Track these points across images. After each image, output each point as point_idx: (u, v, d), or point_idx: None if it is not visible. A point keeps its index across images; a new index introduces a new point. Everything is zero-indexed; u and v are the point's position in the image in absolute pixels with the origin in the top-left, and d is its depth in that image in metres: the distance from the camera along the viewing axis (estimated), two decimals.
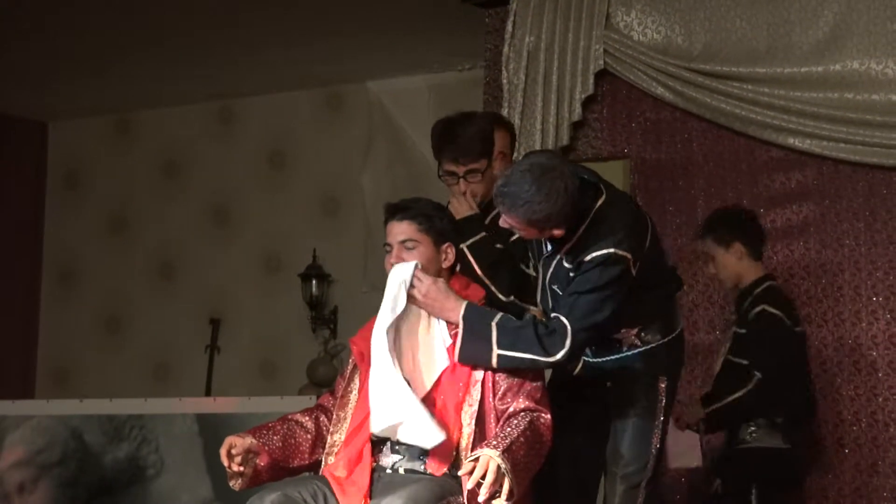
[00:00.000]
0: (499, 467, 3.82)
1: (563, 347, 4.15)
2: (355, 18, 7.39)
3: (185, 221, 9.18)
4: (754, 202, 6.14)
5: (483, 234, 4.59)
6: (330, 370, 7.98)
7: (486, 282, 4.55)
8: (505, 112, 6.57)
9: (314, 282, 8.54)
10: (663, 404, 4.42)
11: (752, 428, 5.49)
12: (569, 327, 4.15)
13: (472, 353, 4.16)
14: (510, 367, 4.16)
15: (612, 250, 4.20)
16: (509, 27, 6.64)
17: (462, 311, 4.16)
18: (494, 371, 4.16)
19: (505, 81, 6.64)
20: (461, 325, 4.16)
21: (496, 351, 4.13)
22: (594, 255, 4.19)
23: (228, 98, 8.90)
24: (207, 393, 8.43)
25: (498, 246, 4.62)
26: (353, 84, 8.57)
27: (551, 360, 4.16)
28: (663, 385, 4.42)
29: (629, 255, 4.19)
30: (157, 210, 9.32)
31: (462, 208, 4.63)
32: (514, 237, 4.51)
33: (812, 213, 5.98)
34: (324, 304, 8.57)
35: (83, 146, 9.63)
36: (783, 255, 6.09)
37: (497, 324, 4.16)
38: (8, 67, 8.24)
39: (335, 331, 8.49)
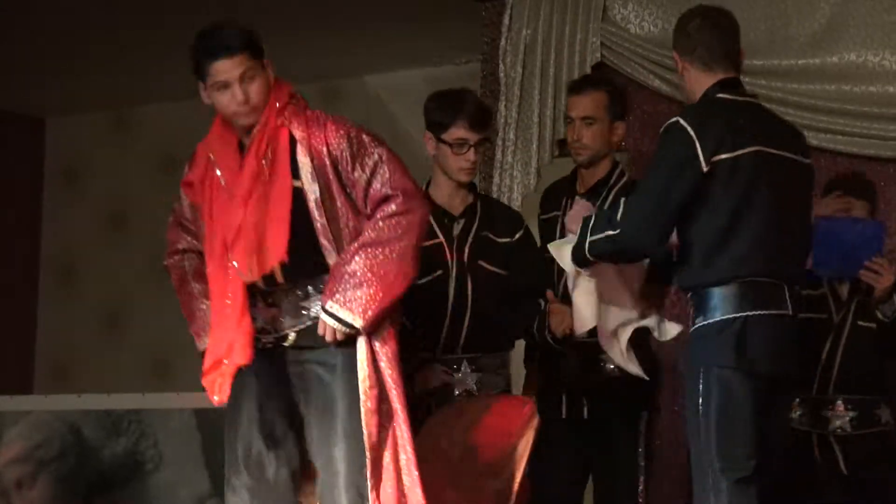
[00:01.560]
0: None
1: (616, 224, 4.14)
2: (352, 12, 7.39)
3: None
4: None
5: None
6: None
7: None
8: (502, 105, 6.58)
9: None
10: (700, 392, 4.14)
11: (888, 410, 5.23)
12: (621, 205, 4.16)
13: (578, 255, 4.30)
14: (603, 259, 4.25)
15: (676, 118, 4.18)
16: (506, 20, 6.64)
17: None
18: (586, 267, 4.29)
19: (502, 75, 6.64)
20: (579, 228, 4.30)
21: (588, 239, 4.21)
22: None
23: None
24: None
25: None
26: (350, 78, 8.57)
27: (611, 233, 4.14)
28: (702, 375, 4.15)
29: (690, 131, 4.12)
30: (156, 205, 9.29)
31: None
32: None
33: None
34: None
35: (81, 142, 9.62)
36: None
37: (587, 218, 4.27)
38: (5, 63, 8.23)
39: None
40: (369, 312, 3.90)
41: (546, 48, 6.54)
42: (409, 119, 8.22)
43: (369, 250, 3.92)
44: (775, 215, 4.18)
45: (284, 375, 4.09)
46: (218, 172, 4.11)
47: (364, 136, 4.05)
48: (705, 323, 4.16)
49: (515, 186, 6.46)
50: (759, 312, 4.14)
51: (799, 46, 6.06)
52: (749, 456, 4.12)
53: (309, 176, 3.98)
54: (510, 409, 4.59)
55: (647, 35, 6.39)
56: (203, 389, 5.39)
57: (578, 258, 4.29)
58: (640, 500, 5.09)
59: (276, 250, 3.95)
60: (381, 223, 3.95)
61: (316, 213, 3.98)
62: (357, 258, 3.92)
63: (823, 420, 5.19)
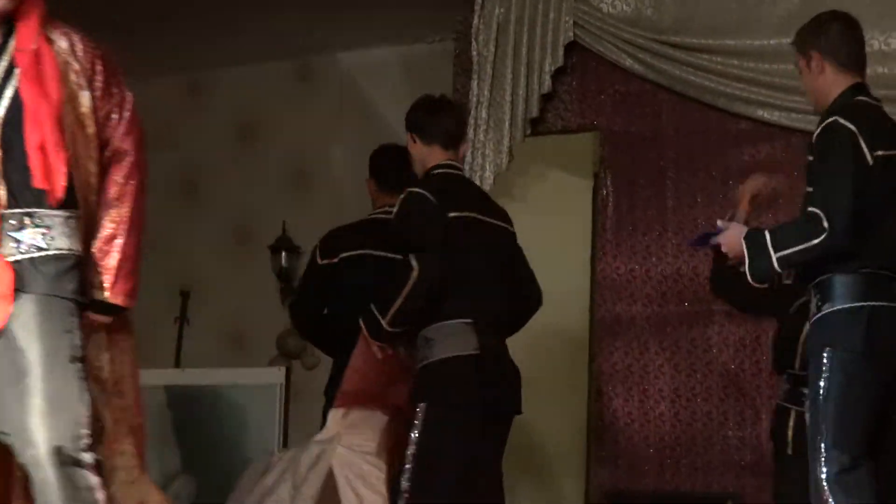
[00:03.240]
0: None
1: (822, 230, 4.18)
2: None
3: (154, 194, 8.99)
4: (724, 174, 6.16)
5: None
6: (300, 342, 7.98)
7: None
8: (474, 84, 6.57)
9: (284, 254, 8.52)
10: (824, 371, 4.25)
11: None
12: (818, 211, 4.18)
13: (760, 271, 4.31)
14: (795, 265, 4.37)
15: (833, 118, 4.27)
16: None
17: (744, 234, 4.39)
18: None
19: (475, 54, 6.64)
20: (745, 248, 4.34)
21: (774, 256, 4.26)
22: (818, 129, 4.30)
23: (197, 70, 8.85)
24: (177, 365, 8.42)
25: None
26: (323, 56, 8.55)
27: (817, 241, 4.18)
28: (826, 356, 4.27)
29: (852, 127, 4.22)
30: None
31: None
32: None
33: (781, 185, 5.99)
34: (293, 276, 8.54)
35: None
36: (752, 226, 6.09)
37: (770, 230, 4.32)
38: None
39: None
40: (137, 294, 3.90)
41: (519, 27, 6.53)
42: (381, 97, 8.22)
43: (130, 237, 3.93)
44: None
45: None
46: None
47: (118, 67, 3.91)
48: (833, 309, 4.30)
49: (488, 165, 6.46)
50: (882, 303, 4.31)
51: (771, 26, 6.07)
52: (861, 437, 4.25)
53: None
54: None
55: (620, 14, 6.40)
56: (172, 366, 5.36)
57: (761, 274, 4.36)
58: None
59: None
60: (134, 199, 4.03)
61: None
62: (126, 243, 3.91)
63: None
